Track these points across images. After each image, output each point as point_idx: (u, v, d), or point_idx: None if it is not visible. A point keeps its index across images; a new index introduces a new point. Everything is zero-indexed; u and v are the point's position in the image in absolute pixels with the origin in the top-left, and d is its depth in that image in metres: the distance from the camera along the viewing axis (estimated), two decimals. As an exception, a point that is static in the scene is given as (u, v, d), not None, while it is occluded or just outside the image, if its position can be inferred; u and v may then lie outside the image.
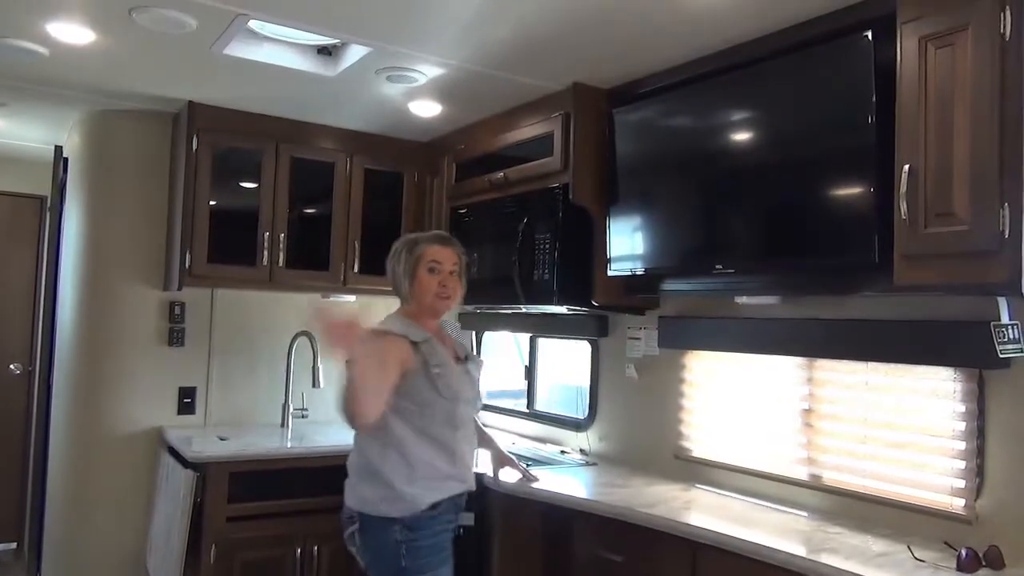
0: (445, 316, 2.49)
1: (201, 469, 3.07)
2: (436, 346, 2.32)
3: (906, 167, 1.93)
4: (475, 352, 4.19)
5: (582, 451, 3.41)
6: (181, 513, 3.07)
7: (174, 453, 3.34)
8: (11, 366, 4.86)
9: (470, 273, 2.50)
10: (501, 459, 2.82)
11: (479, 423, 2.87)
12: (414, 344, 2.27)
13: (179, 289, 3.44)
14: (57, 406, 3.92)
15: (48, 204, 4.38)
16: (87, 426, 3.58)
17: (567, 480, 2.92)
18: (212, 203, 3.41)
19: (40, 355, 4.28)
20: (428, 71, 2.89)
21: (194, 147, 3.37)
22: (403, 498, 2.22)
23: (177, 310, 3.69)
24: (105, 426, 3.57)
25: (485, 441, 2.86)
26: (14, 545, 4.86)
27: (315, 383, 3.63)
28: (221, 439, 3.40)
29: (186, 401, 3.71)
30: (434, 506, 2.26)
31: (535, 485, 2.73)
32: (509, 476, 2.79)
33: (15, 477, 4.82)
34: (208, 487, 3.06)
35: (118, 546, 3.55)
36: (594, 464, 3.23)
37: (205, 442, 3.31)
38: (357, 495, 2.30)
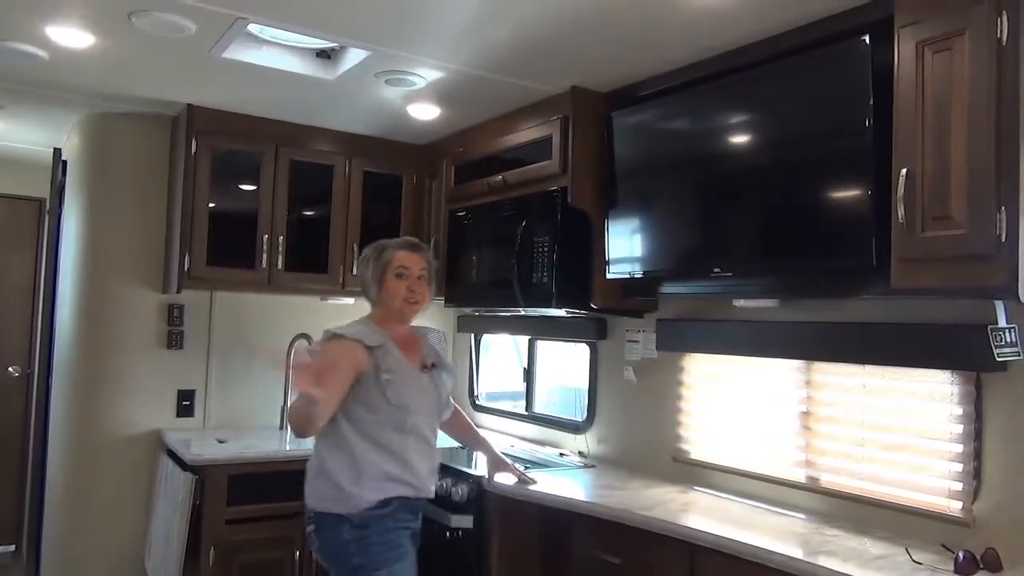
0: (418, 320, 2.48)
1: (200, 472, 3.08)
2: (392, 352, 2.30)
3: (903, 171, 1.94)
4: (476, 359, 4.19)
5: (580, 453, 3.41)
6: (180, 516, 3.07)
7: (173, 456, 3.34)
8: (10, 368, 4.86)
9: (439, 278, 2.49)
10: (497, 463, 2.82)
11: (472, 424, 2.88)
12: (369, 349, 2.26)
13: (178, 292, 3.44)
14: (56, 409, 3.92)
15: (47, 207, 4.38)
16: (86, 429, 3.57)
17: (565, 482, 2.92)
18: (211, 206, 3.41)
19: (39, 357, 4.28)
20: (427, 74, 2.90)
21: (193, 150, 3.37)
22: (349, 497, 2.23)
23: (176, 313, 3.69)
24: (104, 429, 3.57)
25: (480, 444, 2.86)
26: (12, 548, 4.86)
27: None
28: (220, 442, 3.40)
29: (185, 404, 3.71)
30: (383, 504, 2.25)
31: (533, 487, 2.73)
32: (505, 479, 2.80)
33: (14, 480, 4.82)
34: (207, 489, 3.06)
35: (117, 548, 3.55)
36: (592, 466, 3.23)
37: (204, 445, 3.31)
38: (312, 494, 2.31)
